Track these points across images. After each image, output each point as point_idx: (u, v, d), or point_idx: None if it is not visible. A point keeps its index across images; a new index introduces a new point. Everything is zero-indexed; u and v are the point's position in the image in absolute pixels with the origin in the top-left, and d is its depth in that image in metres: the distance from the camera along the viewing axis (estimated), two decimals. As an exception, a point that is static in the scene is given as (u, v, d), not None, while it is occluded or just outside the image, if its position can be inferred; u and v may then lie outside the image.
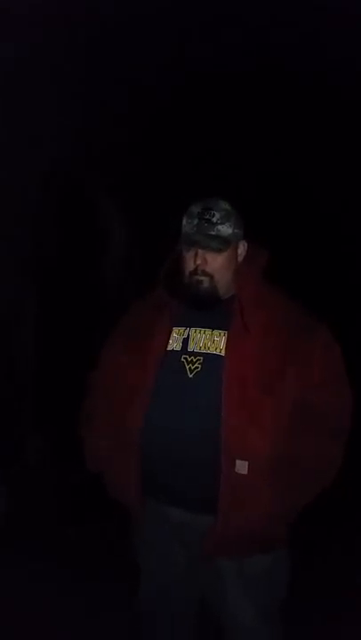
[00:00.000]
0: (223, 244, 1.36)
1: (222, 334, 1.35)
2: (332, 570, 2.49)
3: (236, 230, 1.40)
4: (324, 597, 2.27)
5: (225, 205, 1.40)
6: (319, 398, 1.32)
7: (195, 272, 1.37)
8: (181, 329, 1.40)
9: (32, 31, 2.71)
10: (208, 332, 1.37)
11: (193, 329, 1.38)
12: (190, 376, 1.33)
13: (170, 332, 1.40)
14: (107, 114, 3.46)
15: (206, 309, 1.39)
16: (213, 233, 1.36)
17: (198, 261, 1.36)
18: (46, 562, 2.42)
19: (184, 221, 1.40)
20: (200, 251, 1.36)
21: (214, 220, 1.36)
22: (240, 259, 1.44)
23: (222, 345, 1.33)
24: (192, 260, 1.38)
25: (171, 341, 1.39)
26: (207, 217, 1.36)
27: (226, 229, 1.37)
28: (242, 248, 1.44)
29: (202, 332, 1.37)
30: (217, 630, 1.47)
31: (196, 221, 1.36)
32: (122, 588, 1.57)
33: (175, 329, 1.40)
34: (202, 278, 1.37)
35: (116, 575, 1.62)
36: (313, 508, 1.36)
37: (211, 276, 1.37)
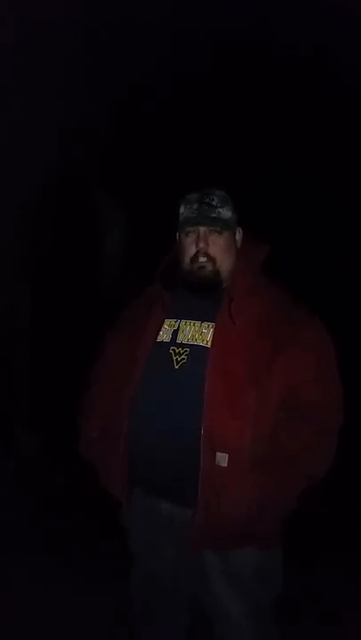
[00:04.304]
0: (225, 225, 1.38)
1: (210, 326, 1.35)
2: (331, 568, 2.47)
3: (234, 215, 1.42)
4: (324, 597, 2.25)
5: (221, 192, 1.42)
6: (309, 394, 1.30)
7: (196, 258, 1.37)
8: (173, 321, 1.40)
9: (32, 31, 2.72)
10: (197, 323, 1.37)
11: (183, 321, 1.39)
12: (176, 367, 1.33)
13: (162, 325, 1.41)
14: (107, 114, 3.47)
15: (209, 296, 1.38)
16: (215, 215, 1.37)
17: (201, 244, 1.37)
18: (43, 559, 2.42)
19: (182, 209, 1.41)
20: (202, 233, 1.37)
21: (214, 203, 1.38)
22: (238, 245, 1.45)
23: (209, 337, 1.33)
24: (193, 245, 1.38)
25: (161, 333, 1.40)
26: (207, 201, 1.38)
27: (226, 212, 1.39)
28: (239, 235, 1.46)
29: (191, 323, 1.37)
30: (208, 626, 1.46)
31: (196, 205, 1.38)
32: (122, 587, 1.57)
33: (167, 321, 1.41)
34: (204, 264, 1.37)
35: (116, 574, 1.62)
36: (312, 505, 1.35)
37: (213, 260, 1.37)
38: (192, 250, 1.38)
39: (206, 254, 1.37)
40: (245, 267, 1.41)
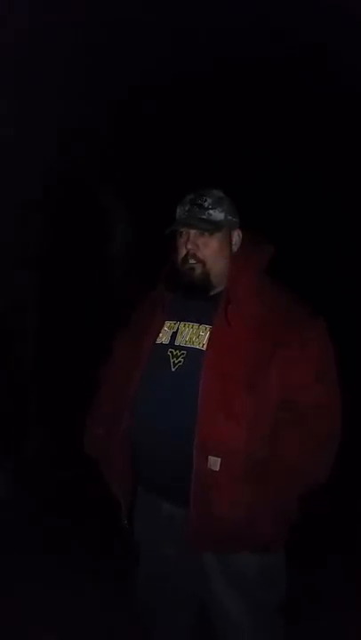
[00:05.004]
0: (213, 226, 1.35)
1: (207, 329, 1.34)
2: (331, 568, 2.47)
3: (228, 217, 1.39)
4: (324, 597, 2.25)
5: (218, 193, 1.39)
6: (307, 395, 1.29)
7: (186, 259, 1.36)
8: (172, 323, 1.40)
9: (32, 31, 2.72)
10: (195, 326, 1.36)
11: (183, 323, 1.38)
12: (173, 370, 1.33)
13: (162, 326, 1.41)
14: (107, 114, 3.47)
15: (198, 298, 1.37)
16: (204, 216, 1.35)
17: (189, 246, 1.35)
18: (43, 559, 2.42)
19: (178, 210, 1.40)
20: (191, 235, 1.36)
21: (206, 204, 1.36)
22: (235, 248, 1.42)
23: (205, 339, 1.32)
24: (183, 246, 1.37)
25: (160, 335, 1.40)
26: (199, 202, 1.36)
27: (217, 214, 1.36)
28: (236, 237, 1.42)
29: (190, 326, 1.37)
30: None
31: (187, 207, 1.37)
32: (122, 587, 1.57)
33: (167, 323, 1.41)
34: (193, 266, 1.35)
35: (116, 574, 1.62)
36: (313, 505, 1.34)
37: (203, 263, 1.35)
38: (183, 251, 1.37)
39: (195, 257, 1.35)
40: (245, 268, 1.39)
